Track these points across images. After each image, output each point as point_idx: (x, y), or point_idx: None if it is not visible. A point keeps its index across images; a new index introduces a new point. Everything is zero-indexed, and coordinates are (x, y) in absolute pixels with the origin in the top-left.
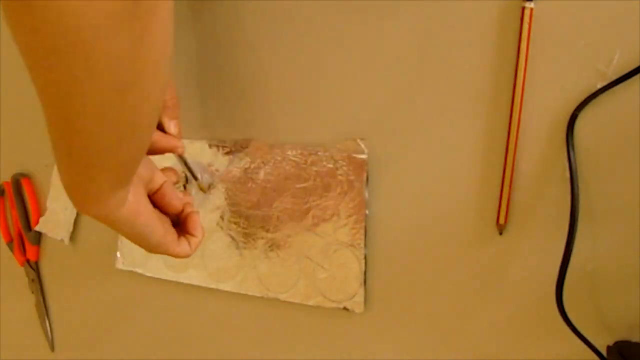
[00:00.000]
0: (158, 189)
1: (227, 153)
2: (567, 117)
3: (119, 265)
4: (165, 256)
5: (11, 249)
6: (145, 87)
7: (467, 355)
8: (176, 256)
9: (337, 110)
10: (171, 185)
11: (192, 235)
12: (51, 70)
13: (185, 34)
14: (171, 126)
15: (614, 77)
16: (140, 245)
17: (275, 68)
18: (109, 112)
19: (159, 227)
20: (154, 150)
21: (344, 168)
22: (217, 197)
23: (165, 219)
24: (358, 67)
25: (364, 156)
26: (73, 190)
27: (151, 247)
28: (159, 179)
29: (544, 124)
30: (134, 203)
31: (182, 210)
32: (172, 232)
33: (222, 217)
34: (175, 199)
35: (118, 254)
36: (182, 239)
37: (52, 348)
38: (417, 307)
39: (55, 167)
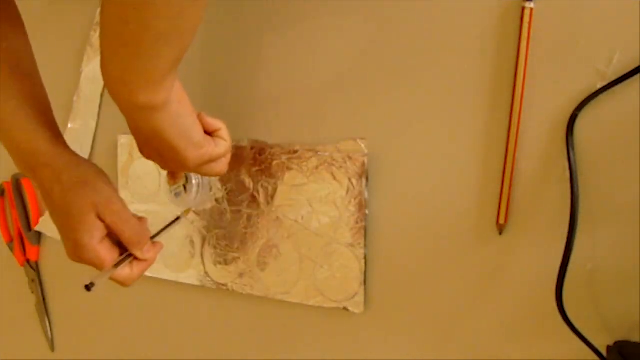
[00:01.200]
0: None
1: None
2: (567, 117)
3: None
4: (165, 256)
5: (11, 249)
6: None
7: (467, 355)
8: (217, 157)
9: (337, 110)
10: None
11: (222, 138)
12: None
13: None
14: None
15: (614, 77)
16: (182, 149)
17: (275, 69)
18: None
19: (199, 123)
20: None
21: (345, 168)
22: (218, 198)
23: None
24: (358, 68)
25: (364, 156)
26: (132, 78)
27: (194, 148)
28: None
29: (544, 124)
30: (178, 89)
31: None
32: (207, 136)
33: (221, 218)
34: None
35: None
36: (217, 140)
37: (52, 348)
38: (417, 307)
39: None
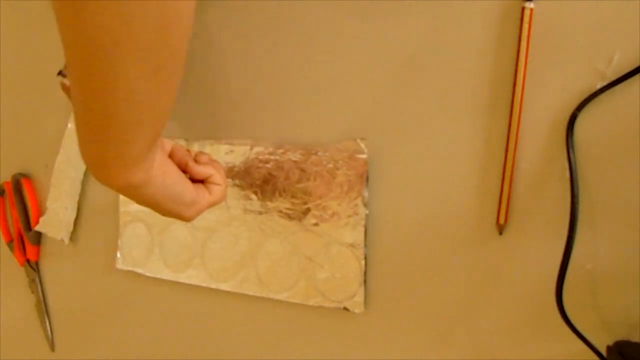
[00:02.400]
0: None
1: (228, 153)
2: (567, 117)
3: (119, 265)
4: (165, 256)
5: (11, 249)
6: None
7: (467, 355)
8: (213, 204)
9: (337, 110)
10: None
11: (215, 184)
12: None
13: None
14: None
15: (614, 77)
16: (177, 212)
17: (275, 68)
18: (150, 43)
19: (189, 183)
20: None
21: (344, 168)
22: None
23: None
24: (358, 68)
25: (364, 156)
26: (108, 161)
27: (188, 208)
28: (168, 146)
29: (544, 124)
30: (161, 162)
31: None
32: (199, 186)
33: (221, 218)
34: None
35: (118, 254)
36: (210, 186)
37: (52, 348)
38: (417, 307)
39: (56, 167)
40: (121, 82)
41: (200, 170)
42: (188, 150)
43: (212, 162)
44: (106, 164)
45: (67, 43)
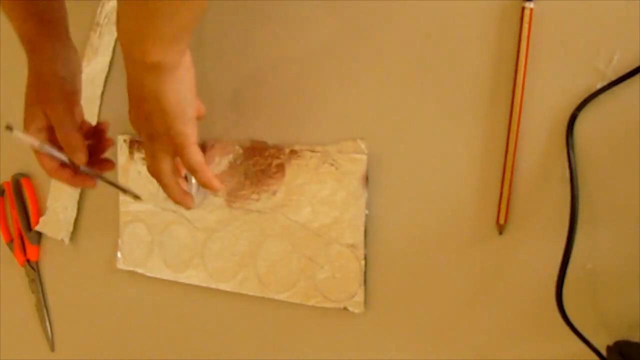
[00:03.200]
0: None
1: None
2: (567, 117)
3: (119, 265)
4: (165, 256)
5: (11, 249)
6: None
7: (467, 355)
8: (188, 156)
9: (337, 110)
10: None
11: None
12: None
13: None
14: None
15: (614, 77)
16: (176, 120)
17: (275, 69)
18: None
19: (196, 104)
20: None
21: (344, 168)
22: (218, 198)
23: None
24: (358, 68)
25: (364, 156)
26: (147, 35)
27: (185, 119)
28: None
29: (544, 124)
30: (189, 62)
31: None
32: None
33: (222, 218)
34: None
35: (118, 254)
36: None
37: (52, 348)
38: (417, 307)
39: None
40: None
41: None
42: None
43: None
44: (145, 37)
45: None
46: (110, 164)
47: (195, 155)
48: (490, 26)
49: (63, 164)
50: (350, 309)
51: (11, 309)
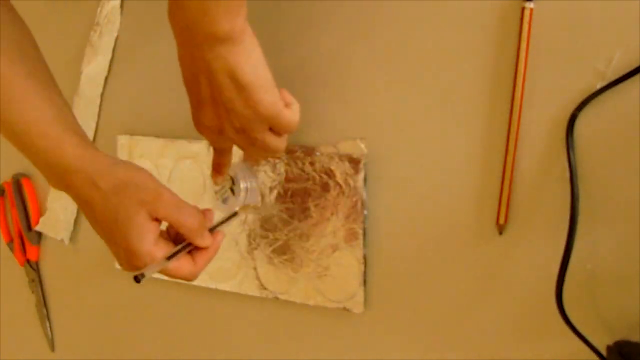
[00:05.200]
0: None
1: None
2: (567, 117)
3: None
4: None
5: (11, 249)
6: None
7: (467, 355)
8: (288, 119)
9: (337, 110)
10: None
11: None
12: None
13: None
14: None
15: (614, 77)
16: (258, 86)
17: (274, 69)
18: None
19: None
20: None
21: (344, 168)
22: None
23: None
24: (358, 68)
25: (363, 156)
26: (215, 5)
27: (269, 88)
28: None
29: (544, 124)
30: (250, 30)
31: None
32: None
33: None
34: None
35: None
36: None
37: (52, 348)
38: (417, 307)
39: None
40: None
41: (284, 93)
42: None
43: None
44: (211, 7)
45: None
46: (211, 212)
47: (294, 116)
48: (490, 26)
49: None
50: (350, 309)
51: (11, 309)
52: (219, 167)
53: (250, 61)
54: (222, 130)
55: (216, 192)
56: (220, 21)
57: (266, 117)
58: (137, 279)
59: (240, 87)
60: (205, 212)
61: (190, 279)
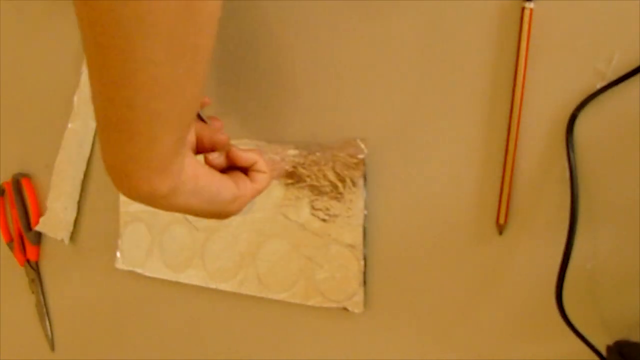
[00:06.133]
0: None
1: None
2: (567, 117)
3: (119, 265)
4: (165, 256)
5: (11, 249)
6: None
7: (467, 355)
8: (258, 193)
9: (337, 110)
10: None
11: (260, 171)
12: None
13: None
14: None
15: (614, 77)
16: (218, 211)
17: (275, 68)
18: (174, 35)
19: (225, 179)
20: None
21: (344, 168)
22: None
23: (224, 175)
24: (358, 68)
25: (363, 156)
26: (131, 167)
27: (230, 204)
28: (191, 138)
29: (544, 124)
30: (192, 167)
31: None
32: (240, 176)
33: None
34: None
35: (118, 254)
36: (253, 174)
37: (52, 348)
38: (417, 307)
39: (56, 167)
40: (144, 67)
41: (244, 156)
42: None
43: (252, 149)
44: (130, 170)
45: (86, 25)
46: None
47: (264, 184)
48: (490, 26)
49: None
50: (350, 308)
51: (11, 309)
52: None
53: (199, 200)
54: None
55: None
56: (142, 184)
57: (239, 212)
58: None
59: (202, 215)
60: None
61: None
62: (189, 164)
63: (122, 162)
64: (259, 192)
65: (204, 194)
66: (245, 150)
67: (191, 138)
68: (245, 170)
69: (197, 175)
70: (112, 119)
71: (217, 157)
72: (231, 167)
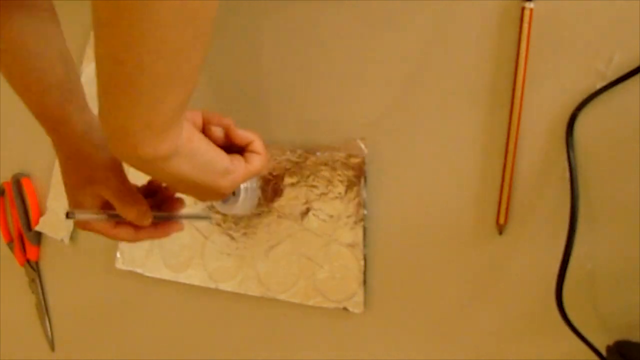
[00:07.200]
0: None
1: None
2: (567, 117)
3: (119, 265)
4: (165, 256)
5: (11, 249)
6: None
7: (467, 355)
8: (251, 175)
9: (337, 110)
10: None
11: (255, 152)
12: None
13: None
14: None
15: (614, 77)
16: (208, 183)
17: (275, 68)
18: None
19: (220, 150)
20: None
21: (344, 168)
22: None
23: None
24: (358, 68)
25: (363, 156)
26: (134, 129)
27: (222, 177)
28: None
29: (544, 124)
30: (187, 131)
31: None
32: (234, 155)
33: (223, 217)
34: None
35: (118, 254)
36: (249, 155)
37: (52, 348)
38: (417, 307)
39: (56, 166)
40: (155, 29)
41: (241, 134)
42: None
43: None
44: (132, 132)
45: None
46: (180, 202)
47: (259, 165)
48: (490, 26)
49: (119, 222)
50: (350, 309)
51: (11, 309)
52: None
53: (194, 167)
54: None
55: None
56: (144, 145)
57: (230, 191)
58: (67, 215)
59: (193, 186)
60: (175, 201)
61: (128, 240)
62: (187, 129)
63: (127, 123)
64: (252, 173)
65: (198, 160)
66: (243, 130)
67: (198, 121)
68: (242, 152)
69: (192, 139)
70: (119, 81)
71: (216, 130)
72: (230, 149)
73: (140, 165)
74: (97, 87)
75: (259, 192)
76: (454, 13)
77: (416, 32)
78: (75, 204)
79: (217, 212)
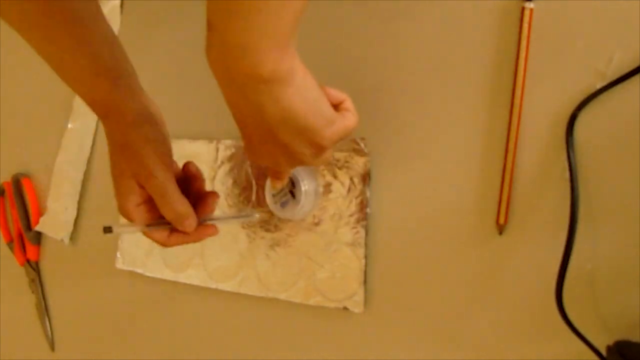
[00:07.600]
0: None
1: (231, 156)
2: (567, 117)
3: (119, 265)
4: (165, 256)
5: (11, 249)
6: None
7: (467, 355)
8: (347, 131)
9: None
10: None
11: (348, 110)
12: None
13: (183, 33)
14: None
15: (614, 77)
16: (315, 126)
17: None
18: None
19: (324, 96)
20: None
21: (345, 168)
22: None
23: None
24: (358, 68)
25: (365, 156)
26: (255, 41)
27: (328, 124)
28: None
29: (544, 123)
30: (299, 62)
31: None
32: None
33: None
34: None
35: (118, 254)
36: (343, 112)
37: (52, 348)
38: (417, 307)
39: (56, 167)
40: None
41: (334, 93)
42: None
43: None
44: (254, 44)
45: None
46: (214, 196)
47: (353, 121)
48: (490, 26)
49: (173, 229)
50: (350, 308)
51: (11, 309)
52: (278, 174)
53: (305, 102)
54: (278, 163)
55: (273, 196)
56: (265, 61)
57: (328, 148)
58: (105, 230)
59: (299, 130)
60: (208, 196)
61: (163, 245)
62: (298, 61)
63: (247, 35)
64: (348, 130)
65: (310, 94)
66: (335, 89)
67: None
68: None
69: (304, 69)
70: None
71: None
72: None
73: (257, 91)
74: (209, 5)
75: (319, 195)
76: (454, 13)
77: (416, 32)
78: (118, 195)
79: (262, 211)
